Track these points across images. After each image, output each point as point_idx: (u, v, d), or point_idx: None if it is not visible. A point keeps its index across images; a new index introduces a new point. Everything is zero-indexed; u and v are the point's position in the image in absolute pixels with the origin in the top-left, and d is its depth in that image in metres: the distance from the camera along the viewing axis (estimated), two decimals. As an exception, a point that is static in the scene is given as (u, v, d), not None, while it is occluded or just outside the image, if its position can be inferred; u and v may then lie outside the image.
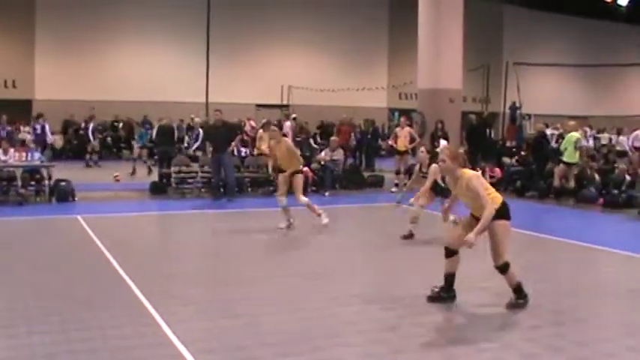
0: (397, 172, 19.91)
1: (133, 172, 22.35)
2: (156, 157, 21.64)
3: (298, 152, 13.99)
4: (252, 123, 30.14)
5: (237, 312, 7.43)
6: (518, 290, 7.70)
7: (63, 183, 16.64)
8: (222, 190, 17.47)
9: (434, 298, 7.83)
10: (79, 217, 13.41)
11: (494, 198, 7.46)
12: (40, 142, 22.80)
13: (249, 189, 18.74)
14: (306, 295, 8.11)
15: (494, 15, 40.56)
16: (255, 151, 20.39)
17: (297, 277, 9.08)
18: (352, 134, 25.96)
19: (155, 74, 32.06)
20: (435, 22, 21.69)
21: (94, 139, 26.20)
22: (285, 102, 35.16)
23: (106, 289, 8.02)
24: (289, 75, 34.80)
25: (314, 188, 18.71)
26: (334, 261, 10.40)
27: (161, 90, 31.57)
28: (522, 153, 21.42)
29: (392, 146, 20.69)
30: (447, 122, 20.80)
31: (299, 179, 12.95)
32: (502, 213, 7.46)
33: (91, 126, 26.35)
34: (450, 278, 7.82)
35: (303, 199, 12.99)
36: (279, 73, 34.87)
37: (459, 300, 7.85)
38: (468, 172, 7.56)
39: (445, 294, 7.84)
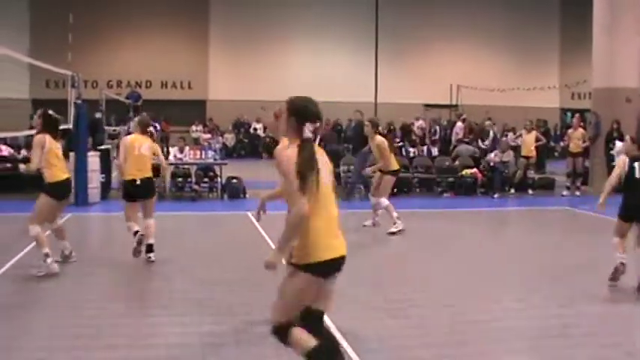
0: (569, 175, 19.23)
1: None
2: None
3: None
4: (421, 123, 30.06)
5: (404, 313, 7.38)
6: None
7: (234, 180, 17.20)
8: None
9: None
10: (249, 214, 13.75)
11: None
12: None
13: (417, 189, 18.67)
14: (473, 299, 7.94)
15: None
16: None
17: (463, 280, 8.91)
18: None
19: (324, 74, 32.50)
20: (610, 18, 20.68)
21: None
22: (453, 102, 34.75)
23: (271, 285, 8.17)
24: (457, 74, 34.36)
25: (482, 190, 18.38)
26: (500, 264, 10.13)
27: (330, 90, 31.97)
28: None
29: (565, 148, 19.97)
30: (623, 123, 19.85)
31: None
32: None
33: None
34: None
35: None
36: (447, 72, 34.52)
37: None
38: None
39: None
